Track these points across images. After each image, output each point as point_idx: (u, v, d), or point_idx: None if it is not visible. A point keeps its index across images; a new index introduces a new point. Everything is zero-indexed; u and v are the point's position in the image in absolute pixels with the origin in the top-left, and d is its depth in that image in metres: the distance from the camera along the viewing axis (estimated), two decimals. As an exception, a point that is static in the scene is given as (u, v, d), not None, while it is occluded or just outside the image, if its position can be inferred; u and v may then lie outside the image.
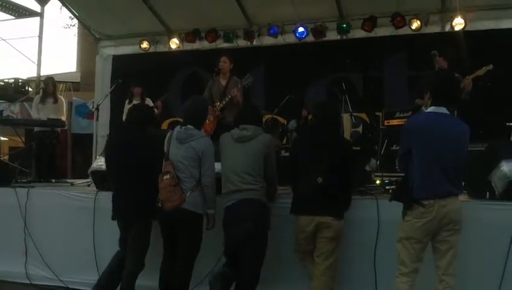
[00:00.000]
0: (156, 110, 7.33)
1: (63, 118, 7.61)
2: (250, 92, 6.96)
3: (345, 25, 7.88)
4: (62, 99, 7.81)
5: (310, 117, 7.34)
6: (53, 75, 8.96)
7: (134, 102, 7.30)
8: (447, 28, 7.45)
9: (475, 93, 5.81)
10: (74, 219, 5.35)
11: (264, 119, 7.87)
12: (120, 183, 4.51)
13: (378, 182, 5.53)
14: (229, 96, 6.07)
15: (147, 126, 4.60)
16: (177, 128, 4.34)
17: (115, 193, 4.54)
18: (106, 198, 4.63)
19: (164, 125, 8.62)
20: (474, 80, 5.55)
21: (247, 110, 4.64)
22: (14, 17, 13.50)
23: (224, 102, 6.10)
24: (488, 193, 4.27)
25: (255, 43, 8.54)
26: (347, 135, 6.76)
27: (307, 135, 4.68)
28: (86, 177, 6.49)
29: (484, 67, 5.57)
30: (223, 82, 6.26)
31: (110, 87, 8.13)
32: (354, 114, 6.76)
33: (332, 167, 3.94)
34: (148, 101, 7.35)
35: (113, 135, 4.68)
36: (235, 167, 4.16)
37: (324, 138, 4.10)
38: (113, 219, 4.51)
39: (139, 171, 4.35)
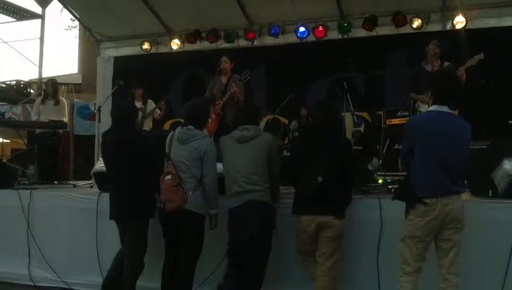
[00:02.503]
0: (159, 110, 7.33)
1: (65, 120, 7.63)
2: (251, 92, 6.96)
3: (345, 24, 7.87)
4: (64, 101, 7.82)
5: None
6: (55, 76, 8.99)
7: (136, 103, 7.31)
8: (448, 27, 7.43)
9: (477, 92, 5.80)
10: (77, 220, 5.35)
11: (265, 119, 7.93)
12: (116, 183, 4.52)
13: (380, 181, 5.53)
14: (228, 92, 6.09)
15: (134, 123, 4.61)
16: (179, 128, 4.34)
17: (111, 193, 4.56)
18: (109, 199, 4.63)
19: (166, 126, 8.63)
20: (467, 70, 5.55)
21: (247, 110, 4.63)
22: (15, 20, 13.55)
23: (224, 99, 6.13)
24: (490, 191, 4.27)
25: (255, 43, 8.54)
26: (349, 134, 6.76)
27: (306, 135, 4.66)
28: (89, 178, 6.49)
29: (476, 56, 5.55)
30: (224, 80, 6.31)
31: (112, 89, 8.14)
32: (355, 113, 6.76)
33: (332, 166, 3.92)
34: (150, 103, 7.36)
35: (106, 136, 4.67)
36: (239, 168, 4.14)
37: (323, 137, 4.07)
38: (110, 218, 4.51)
39: (133, 171, 4.34)
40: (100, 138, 7.76)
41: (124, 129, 4.50)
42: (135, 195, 4.35)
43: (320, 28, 7.91)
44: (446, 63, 5.63)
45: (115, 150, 4.47)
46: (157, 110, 7.26)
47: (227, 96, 6.11)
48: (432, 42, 5.69)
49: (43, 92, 7.81)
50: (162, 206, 4.18)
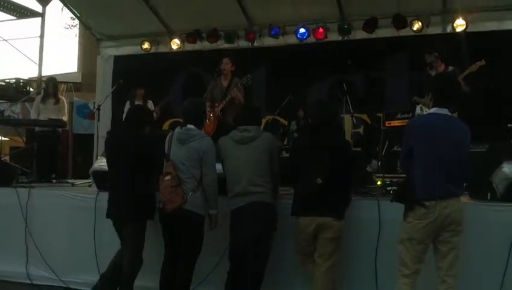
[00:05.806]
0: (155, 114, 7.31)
1: (65, 119, 7.61)
2: (251, 93, 6.96)
3: (346, 26, 7.88)
4: (63, 99, 7.80)
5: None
6: (54, 75, 9.00)
7: (136, 103, 7.30)
8: (449, 29, 7.45)
9: (476, 95, 5.80)
10: (75, 219, 5.35)
11: (264, 120, 7.93)
12: (117, 182, 4.51)
13: (379, 183, 5.53)
14: (229, 96, 6.08)
15: (145, 127, 4.61)
16: (178, 129, 4.34)
17: (110, 192, 4.55)
18: (107, 198, 4.63)
19: (165, 126, 8.63)
20: (466, 77, 5.56)
21: (247, 111, 4.61)
22: (15, 18, 13.54)
23: (224, 102, 6.11)
24: (489, 194, 4.27)
25: (256, 43, 8.54)
26: (348, 135, 6.75)
27: (305, 136, 4.65)
28: (87, 177, 6.49)
29: (477, 63, 5.58)
30: (225, 83, 6.28)
31: (111, 88, 8.14)
32: (355, 115, 6.76)
33: (332, 167, 3.91)
34: (150, 103, 7.36)
35: (112, 135, 4.69)
36: (241, 169, 4.12)
37: (322, 138, 4.06)
38: (107, 216, 4.51)
39: (136, 171, 4.33)
40: (100, 137, 7.83)
41: (132, 130, 4.50)
42: (134, 195, 4.34)
43: (321, 30, 7.92)
44: (450, 68, 5.64)
45: (120, 150, 4.47)
46: (154, 113, 7.24)
47: (227, 99, 6.11)
48: (426, 53, 5.74)
49: (42, 91, 7.79)
50: (161, 206, 4.17)
